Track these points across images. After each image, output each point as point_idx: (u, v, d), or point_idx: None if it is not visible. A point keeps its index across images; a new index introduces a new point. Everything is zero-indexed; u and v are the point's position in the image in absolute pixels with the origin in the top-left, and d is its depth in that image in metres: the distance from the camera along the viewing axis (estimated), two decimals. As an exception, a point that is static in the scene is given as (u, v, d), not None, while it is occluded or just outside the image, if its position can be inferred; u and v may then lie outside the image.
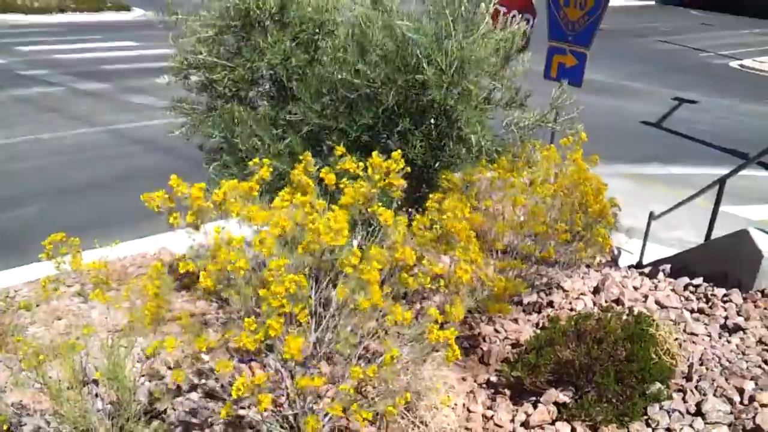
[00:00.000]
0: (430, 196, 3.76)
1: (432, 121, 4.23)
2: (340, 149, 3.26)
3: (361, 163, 3.11)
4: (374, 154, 3.19)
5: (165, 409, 3.42)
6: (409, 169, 3.21)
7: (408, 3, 4.34)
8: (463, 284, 3.10)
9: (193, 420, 3.36)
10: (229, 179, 3.00)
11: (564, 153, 4.56)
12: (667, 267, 5.48)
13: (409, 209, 4.27)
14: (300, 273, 2.57)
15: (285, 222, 2.67)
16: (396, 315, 2.70)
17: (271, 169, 3.00)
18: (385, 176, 3.12)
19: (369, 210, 3.05)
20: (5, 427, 2.95)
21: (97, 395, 3.23)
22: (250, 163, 3.06)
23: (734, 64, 21.36)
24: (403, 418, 3.23)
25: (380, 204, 3.06)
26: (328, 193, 3.07)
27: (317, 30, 4.48)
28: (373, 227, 3.22)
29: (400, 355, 2.86)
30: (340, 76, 4.14)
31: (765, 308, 4.30)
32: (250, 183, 2.93)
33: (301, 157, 3.11)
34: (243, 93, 4.90)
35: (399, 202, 3.30)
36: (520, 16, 6.80)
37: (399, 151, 3.19)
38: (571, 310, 4.50)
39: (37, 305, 4.40)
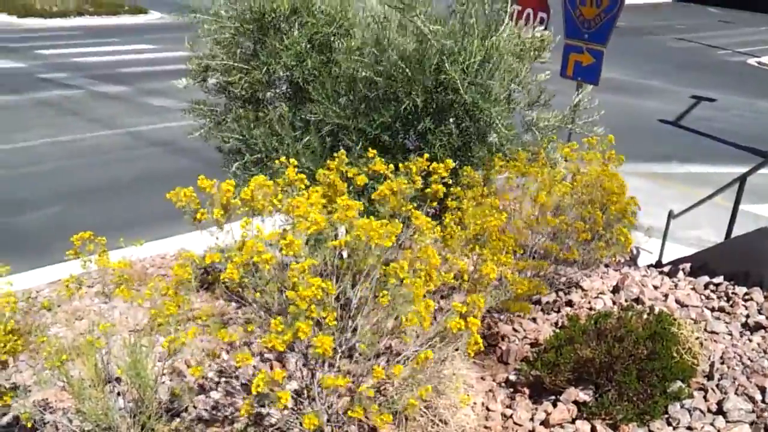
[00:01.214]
0: (448, 203, 3.76)
1: (452, 120, 4.23)
2: (372, 152, 3.29)
3: (391, 165, 3.12)
4: (425, 156, 3.22)
5: (186, 407, 3.45)
6: (446, 173, 3.22)
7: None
8: (488, 282, 3.09)
9: (214, 417, 3.38)
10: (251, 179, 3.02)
11: (587, 150, 4.55)
12: (687, 266, 5.44)
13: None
14: (327, 280, 2.56)
15: (321, 219, 2.67)
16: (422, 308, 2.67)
17: (296, 167, 3.02)
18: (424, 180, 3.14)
19: (404, 210, 3.06)
20: (29, 425, 2.98)
21: (118, 393, 3.26)
22: (276, 162, 3.08)
23: (752, 61, 21.16)
24: (422, 416, 3.24)
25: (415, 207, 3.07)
26: (355, 192, 3.08)
27: (333, 31, 4.48)
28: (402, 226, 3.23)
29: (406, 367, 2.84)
30: (364, 74, 4.14)
31: (787, 307, 4.26)
32: (279, 180, 2.95)
33: (336, 155, 3.13)
34: (260, 95, 4.93)
35: (418, 202, 3.30)
36: (535, 14, 6.78)
37: (449, 160, 3.21)
38: (590, 309, 4.48)
39: (59, 306, 4.44)
